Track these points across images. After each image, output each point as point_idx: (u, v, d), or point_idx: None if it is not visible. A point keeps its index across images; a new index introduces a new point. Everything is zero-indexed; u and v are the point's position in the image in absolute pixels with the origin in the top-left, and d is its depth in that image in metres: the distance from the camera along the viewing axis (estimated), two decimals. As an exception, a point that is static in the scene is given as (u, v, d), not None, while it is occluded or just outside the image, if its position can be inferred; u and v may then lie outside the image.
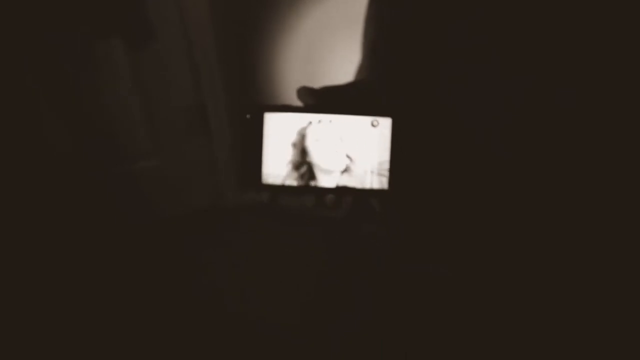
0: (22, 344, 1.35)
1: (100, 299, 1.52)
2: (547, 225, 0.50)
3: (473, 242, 0.55)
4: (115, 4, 1.46)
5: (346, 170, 0.44)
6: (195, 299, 1.54)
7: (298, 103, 0.45)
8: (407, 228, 0.61)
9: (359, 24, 0.60)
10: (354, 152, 0.44)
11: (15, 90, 1.43)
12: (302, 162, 0.44)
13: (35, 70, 1.45)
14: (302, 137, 0.43)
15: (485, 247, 0.54)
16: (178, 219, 1.86)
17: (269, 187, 0.44)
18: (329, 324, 1.38)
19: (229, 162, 1.86)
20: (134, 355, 1.37)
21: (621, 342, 0.52)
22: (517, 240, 0.52)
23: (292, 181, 0.44)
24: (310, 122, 0.43)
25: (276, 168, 0.44)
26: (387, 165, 0.45)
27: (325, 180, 0.44)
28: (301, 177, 0.44)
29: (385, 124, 0.45)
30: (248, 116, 0.43)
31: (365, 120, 0.44)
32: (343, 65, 0.62)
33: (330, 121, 0.44)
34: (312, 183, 0.44)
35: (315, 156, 0.44)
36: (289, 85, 1.77)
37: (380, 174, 0.45)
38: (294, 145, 0.44)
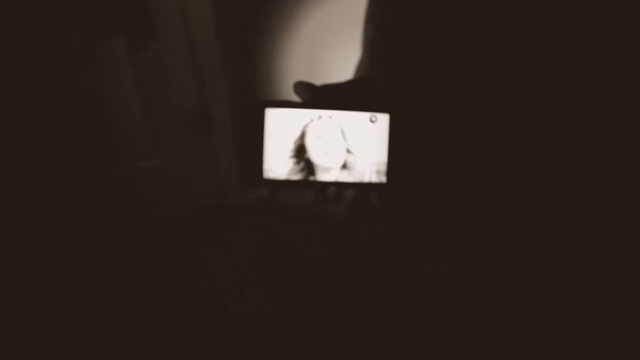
0: (22, 344, 1.35)
1: (100, 298, 1.52)
2: (547, 225, 0.50)
3: (473, 242, 0.55)
4: (118, 3, 1.46)
5: (346, 165, 0.45)
6: (195, 299, 1.54)
7: (297, 99, 0.46)
8: (407, 227, 0.62)
9: (361, 26, 0.60)
10: (353, 147, 0.45)
11: (15, 90, 1.43)
12: (302, 158, 0.44)
13: (35, 70, 1.45)
14: (302, 132, 0.44)
15: (485, 247, 0.54)
16: (178, 219, 1.86)
17: (270, 182, 0.44)
18: (328, 323, 1.38)
19: (232, 162, 1.86)
20: (134, 355, 1.37)
21: (621, 342, 0.52)
22: (517, 240, 0.52)
23: (293, 176, 0.44)
24: (312, 119, 0.44)
25: (277, 163, 0.44)
26: (385, 161, 0.45)
27: (325, 175, 0.44)
28: (301, 172, 0.44)
29: (383, 120, 0.45)
30: (248, 116, 0.44)
31: (364, 116, 0.45)
32: (345, 66, 0.62)
33: (331, 117, 0.44)
34: (312, 178, 0.44)
35: (315, 152, 0.44)
36: (291, 85, 1.78)
37: (379, 169, 0.45)
38: (295, 140, 0.44)
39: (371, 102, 0.46)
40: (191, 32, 1.61)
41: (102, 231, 1.72)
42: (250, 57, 1.73)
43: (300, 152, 0.44)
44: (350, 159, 0.45)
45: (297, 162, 0.44)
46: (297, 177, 0.44)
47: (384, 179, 0.45)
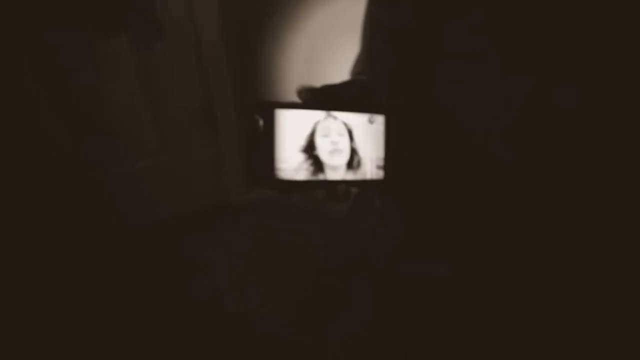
0: (23, 344, 1.35)
1: (100, 298, 1.52)
2: (546, 224, 0.50)
3: (473, 242, 0.55)
4: (118, 3, 1.46)
5: (350, 164, 0.46)
6: (195, 299, 1.54)
7: (298, 101, 0.46)
8: (407, 227, 0.62)
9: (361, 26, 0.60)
10: (357, 147, 0.46)
11: (15, 90, 1.43)
12: (312, 154, 0.44)
13: (35, 70, 1.45)
14: (311, 133, 0.44)
15: (485, 246, 0.54)
16: (178, 219, 1.86)
17: (280, 182, 0.45)
18: (328, 323, 1.39)
19: (237, 162, 1.86)
20: (134, 355, 1.37)
21: (621, 342, 0.52)
22: (516, 239, 0.52)
23: (302, 176, 0.45)
24: (318, 120, 0.44)
25: (286, 163, 0.44)
26: (384, 160, 0.47)
27: (333, 174, 0.46)
28: (310, 171, 0.45)
29: (382, 121, 0.47)
30: (257, 117, 0.44)
31: (363, 117, 0.46)
32: (346, 66, 0.63)
33: (336, 118, 0.45)
34: (321, 177, 0.45)
35: (323, 150, 0.45)
36: (294, 86, 1.79)
37: (379, 169, 0.47)
38: (303, 140, 0.44)
39: (369, 103, 0.47)
40: (197, 32, 1.60)
41: (102, 231, 1.72)
42: (254, 57, 1.73)
43: (309, 148, 0.45)
44: (355, 158, 0.46)
45: (307, 161, 0.45)
46: (307, 173, 0.45)
47: (383, 177, 0.47)
